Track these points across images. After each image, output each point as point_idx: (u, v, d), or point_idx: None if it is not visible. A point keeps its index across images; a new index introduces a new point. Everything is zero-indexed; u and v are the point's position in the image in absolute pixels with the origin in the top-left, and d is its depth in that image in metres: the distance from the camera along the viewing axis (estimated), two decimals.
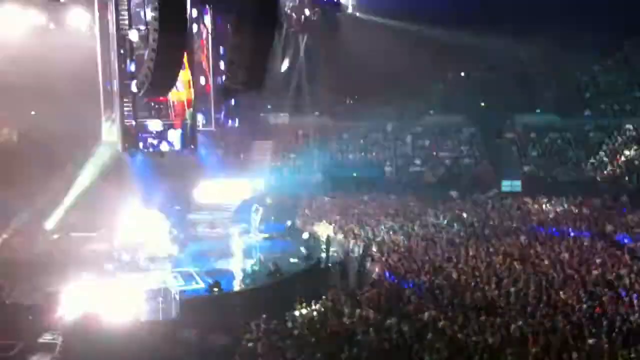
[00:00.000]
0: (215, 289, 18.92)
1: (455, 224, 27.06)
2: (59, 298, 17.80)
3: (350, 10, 37.04)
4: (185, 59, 19.54)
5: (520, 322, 15.15)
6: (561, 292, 17.23)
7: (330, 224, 27.87)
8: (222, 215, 28.77)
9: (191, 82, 22.30)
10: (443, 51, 38.97)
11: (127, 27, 20.49)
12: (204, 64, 26.00)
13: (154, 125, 22.02)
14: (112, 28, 21.13)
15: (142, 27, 19.84)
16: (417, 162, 39.66)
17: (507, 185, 35.52)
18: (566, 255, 20.89)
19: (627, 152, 37.16)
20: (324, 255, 23.37)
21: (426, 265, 20.68)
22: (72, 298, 17.72)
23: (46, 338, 17.04)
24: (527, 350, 13.73)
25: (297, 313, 17.67)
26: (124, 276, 20.33)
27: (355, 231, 26.40)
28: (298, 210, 31.11)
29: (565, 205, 29.97)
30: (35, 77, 26.21)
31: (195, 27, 24.44)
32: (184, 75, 21.24)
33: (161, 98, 21.50)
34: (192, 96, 22.53)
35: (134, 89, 20.38)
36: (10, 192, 25.82)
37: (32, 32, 24.36)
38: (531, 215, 28.57)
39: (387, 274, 20.63)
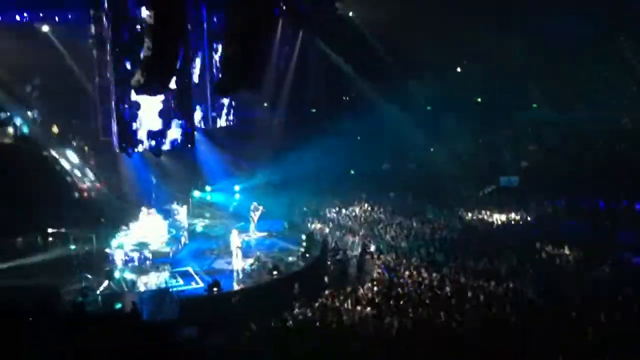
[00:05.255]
0: (215, 289, 18.82)
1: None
2: None
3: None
4: (181, 57, 19.37)
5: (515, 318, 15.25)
6: None
7: (329, 222, 27.77)
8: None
9: (187, 81, 22.15)
10: (439, 47, 38.79)
11: (122, 25, 20.36)
12: (200, 61, 25.87)
13: (151, 124, 21.84)
14: (108, 26, 20.97)
15: (138, 25, 19.73)
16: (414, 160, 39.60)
17: (504, 180, 35.47)
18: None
19: (623, 145, 37.23)
20: (322, 253, 23.28)
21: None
22: None
23: None
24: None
25: (296, 312, 17.60)
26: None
27: (354, 229, 26.32)
28: (296, 208, 30.98)
29: None
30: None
31: (190, 25, 24.27)
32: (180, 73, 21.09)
33: (158, 96, 21.32)
34: (189, 95, 22.38)
35: (130, 87, 20.19)
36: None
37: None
38: None
39: (385, 271, 20.60)
